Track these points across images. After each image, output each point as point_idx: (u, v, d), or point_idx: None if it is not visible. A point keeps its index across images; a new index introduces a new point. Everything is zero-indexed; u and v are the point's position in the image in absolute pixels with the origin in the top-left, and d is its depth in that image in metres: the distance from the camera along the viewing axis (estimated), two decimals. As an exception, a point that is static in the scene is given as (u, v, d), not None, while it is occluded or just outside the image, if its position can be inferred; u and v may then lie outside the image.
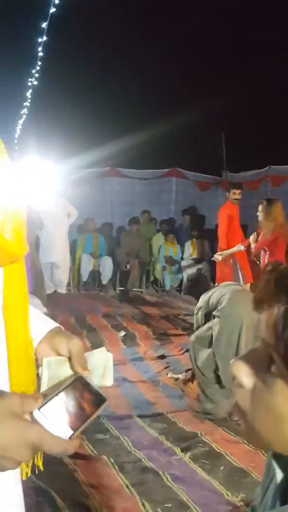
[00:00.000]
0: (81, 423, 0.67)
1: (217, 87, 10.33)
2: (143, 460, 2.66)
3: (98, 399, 0.70)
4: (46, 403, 0.67)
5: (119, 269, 7.71)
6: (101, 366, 0.85)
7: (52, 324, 0.91)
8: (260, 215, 5.00)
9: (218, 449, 2.79)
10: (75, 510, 2.15)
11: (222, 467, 2.60)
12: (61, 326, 0.92)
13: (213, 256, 5.91)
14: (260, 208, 5.00)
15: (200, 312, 3.39)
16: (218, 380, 3.13)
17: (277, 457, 0.63)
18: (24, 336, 0.85)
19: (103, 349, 0.87)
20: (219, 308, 3.14)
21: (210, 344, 3.17)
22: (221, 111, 10.35)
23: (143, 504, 2.25)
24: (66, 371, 0.83)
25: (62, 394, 0.68)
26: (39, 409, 0.65)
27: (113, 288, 7.75)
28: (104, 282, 7.71)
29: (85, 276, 7.66)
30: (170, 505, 2.26)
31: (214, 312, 3.17)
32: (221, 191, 9.10)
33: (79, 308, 6.38)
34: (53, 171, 7.69)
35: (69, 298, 7.11)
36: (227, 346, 3.04)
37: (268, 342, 0.53)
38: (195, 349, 3.25)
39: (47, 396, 0.69)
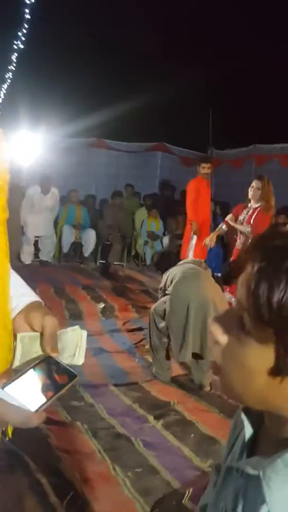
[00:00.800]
0: (48, 399, 0.68)
1: (206, 62, 10.17)
2: (116, 426, 2.72)
3: (68, 376, 0.71)
4: (13, 381, 0.68)
5: (101, 242, 7.70)
6: (73, 345, 0.85)
7: (32, 297, 0.90)
8: (259, 192, 4.51)
9: (190, 417, 2.87)
10: (47, 473, 2.19)
11: (192, 435, 2.68)
12: (41, 301, 0.91)
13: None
14: (259, 184, 4.51)
15: (160, 291, 3.67)
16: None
17: (247, 412, 0.65)
18: (3, 302, 0.84)
19: (76, 327, 0.87)
20: (168, 287, 3.35)
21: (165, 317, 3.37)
22: (209, 87, 10.23)
23: (114, 469, 2.32)
24: (39, 348, 0.83)
25: (29, 372, 0.69)
26: (3, 388, 0.66)
27: (94, 260, 7.75)
28: (86, 254, 7.70)
29: (66, 247, 7.64)
30: (140, 470, 2.33)
31: (166, 291, 3.41)
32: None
33: (59, 279, 6.38)
34: (38, 139, 7.59)
35: (49, 269, 7.11)
36: (176, 323, 3.23)
37: (241, 302, 0.55)
38: (155, 319, 3.44)
39: (17, 373, 0.70)
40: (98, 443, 2.53)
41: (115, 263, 7.68)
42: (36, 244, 7.36)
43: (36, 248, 7.40)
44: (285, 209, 6.55)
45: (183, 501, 2.09)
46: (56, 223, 7.62)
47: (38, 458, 2.30)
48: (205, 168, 5.95)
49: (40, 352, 0.81)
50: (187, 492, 2.13)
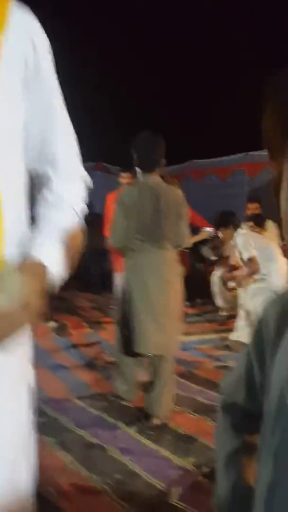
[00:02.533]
0: None
1: (138, 78, 10.38)
2: (86, 437, 2.52)
3: None
4: None
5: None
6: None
7: (36, 256, 0.85)
8: None
9: (163, 420, 2.72)
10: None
11: (169, 436, 2.53)
12: (42, 263, 0.84)
13: None
14: None
15: None
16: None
17: None
18: None
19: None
20: None
21: None
22: (144, 105, 10.43)
23: (91, 478, 2.12)
24: None
25: None
26: None
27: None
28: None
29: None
30: (119, 476, 2.15)
31: None
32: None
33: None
34: None
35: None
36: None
37: None
38: None
39: None
40: (69, 455, 2.31)
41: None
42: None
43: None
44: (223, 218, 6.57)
45: (174, 501, 1.94)
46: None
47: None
48: (124, 178, 5.92)
49: None
50: (176, 492, 1.98)
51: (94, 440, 2.47)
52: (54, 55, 0.91)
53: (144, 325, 2.64)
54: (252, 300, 3.98)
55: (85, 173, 0.99)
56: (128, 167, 5.71)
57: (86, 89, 9.81)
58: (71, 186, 0.95)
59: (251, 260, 4.10)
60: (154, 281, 2.69)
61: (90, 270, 7.55)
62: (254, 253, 4.10)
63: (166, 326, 2.68)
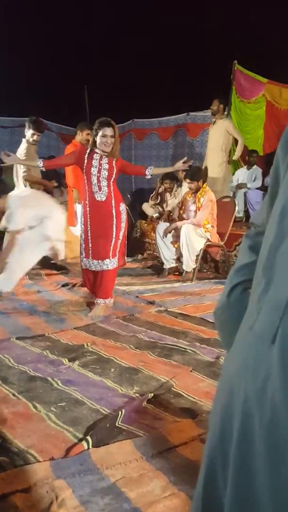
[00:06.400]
0: None
1: (78, 37, 9.96)
2: (28, 371, 2.45)
3: None
4: None
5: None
6: None
7: None
8: None
9: (106, 355, 2.71)
10: None
11: (112, 369, 2.52)
12: None
13: None
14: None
15: None
16: None
17: None
18: None
19: None
20: None
21: None
22: (82, 62, 10.04)
23: (34, 407, 2.06)
24: None
25: None
26: None
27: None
28: None
29: None
30: (64, 404, 2.11)
31: None
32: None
33: None
34: None
35: None
36: None
37: None
38: None
39: None
40: (10, 388, 2.24)
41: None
42: None
43: None
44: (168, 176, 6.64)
45: (117, 423, 1.93)
46: None
47: None
48: (88, 135, 5.84)
49: None
50: (119, 414, 1.97)
51: (36, 374, 2.41)
52: None
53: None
54: None
55: None
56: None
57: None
58: None
59: None
60: None
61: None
62: None
63: None
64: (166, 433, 1.85)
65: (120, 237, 3.68)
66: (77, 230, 5.75)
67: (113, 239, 3.62)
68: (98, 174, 3.52)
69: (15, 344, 2.87)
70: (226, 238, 5.22)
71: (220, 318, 0.88)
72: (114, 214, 3.62)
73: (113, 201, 3.61)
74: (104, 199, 3.56)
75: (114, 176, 3.58)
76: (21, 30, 9.28)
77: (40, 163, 3.66)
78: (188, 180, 5.14)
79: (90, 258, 3.62)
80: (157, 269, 5.53)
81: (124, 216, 3.70)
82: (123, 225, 3.70)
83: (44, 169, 3.82)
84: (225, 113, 6.56)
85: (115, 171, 3.57)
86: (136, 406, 2.08)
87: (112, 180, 3.59)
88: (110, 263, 3.61)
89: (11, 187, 5.08)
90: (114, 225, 3.61)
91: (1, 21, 8.95)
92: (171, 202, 6.48)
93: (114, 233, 3.62)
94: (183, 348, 2.87)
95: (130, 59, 9.54)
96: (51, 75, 9.82)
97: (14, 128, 9.20)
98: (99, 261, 3.59)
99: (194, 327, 3.33)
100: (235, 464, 0.61)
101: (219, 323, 0.89)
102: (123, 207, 3.69)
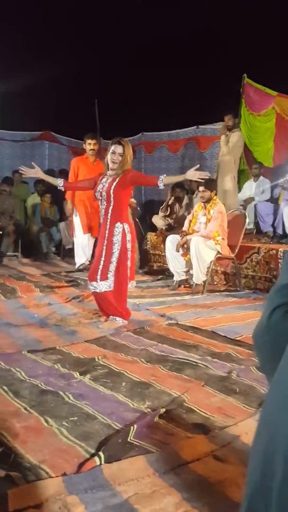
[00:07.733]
0: None
1: (89, 50, 10.10)
2: (40, 385, 2.45)
3: None
4: None
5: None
6: None
7: None
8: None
9: (117, 369, 2.70)
10: None
11: (124, 383, 2.51)
12: None
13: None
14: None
15: None
16: None
17: None
18: None
19: None
20: None
21: None
22: (94, 76, 10.17)
23: (46, 421, 2.06)
24: None
25: None
26: None
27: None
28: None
29: None
30: (75, 418, 2.10)
31: None
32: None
33: None
34: None
35: None
36: None
37: None
38: None
39: None
40: (22, 402, 2.24)
41: (8, 254, 7.19)
42: None
43: None
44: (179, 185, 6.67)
45: (128, 438, 1.92)
46: None
47: None
48: (90, 145, 6.00)
49: None
50: (131, 429, 1.96)
51: (47, 388, 2.41)
52: None
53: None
54: None
55: None
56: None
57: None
58: None
59: None
60: None
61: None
62: None
63: None
64: (178, 449, 1.83)
65: (113, 259, 3.47)
66: (78, 240, 5.87)
67: (102, 261, 3.47)
68: (100, 198, 3.52)
69: (26, 357, 2.87)
70: (237, 250, 5.22)
71: (259, 342, 0.83)
72: (106, 234, 3.47)
73: (108, 221, 3.48)
74: (102, 219, 3.56)
75: (112, 195, 3.44)
76: (34, 46, 9.44)
77: (60, 182, 3.66)
78: (202, 188, 5.13)
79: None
80: (167, 281, 5.52)
81: (118, 237, 3.46)
82: (118, 246, 3.47)
83: (63, 189, 3.83)
84: (236, 126, 6.62)
85: (114, 189, 3.44)
86: (148, 421, 2.07)
87: (112, 198, 3.45)
88: (98, 286, 3.47)
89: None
90: (104, 246, 3.47)
91: (16, 38, 9.12)
92: (181, 211, 6.52)
93: (103, 255, 3.46)
94: (195, 362, 2.85)
95: (140, 73, 9.64)
96: (62, 89, 9.96)
97: (26, 142, 9.31)
98: (90, 283, 3.56)
99: (205, 340, 3.31)
100: (279, 507, 0.60)
101: (257, 347, 0.84)
102: (119, 226, 3.47)
